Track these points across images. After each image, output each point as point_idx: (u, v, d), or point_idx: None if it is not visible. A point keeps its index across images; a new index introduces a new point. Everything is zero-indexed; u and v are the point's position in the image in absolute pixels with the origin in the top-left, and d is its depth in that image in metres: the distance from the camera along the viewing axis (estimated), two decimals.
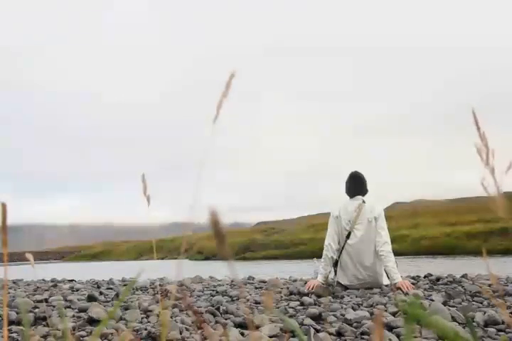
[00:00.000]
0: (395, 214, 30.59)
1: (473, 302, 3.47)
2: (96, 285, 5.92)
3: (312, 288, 4.16)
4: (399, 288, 4.01)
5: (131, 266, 21.93)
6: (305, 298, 3.75)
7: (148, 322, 3.14)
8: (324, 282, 4.33)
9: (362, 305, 3.51)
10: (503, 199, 0.68)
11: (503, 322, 2.71)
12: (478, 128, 0.74)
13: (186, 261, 27.35)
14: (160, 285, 5.36)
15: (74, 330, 2.90)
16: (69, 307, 3.86)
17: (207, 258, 28.27)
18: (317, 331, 2.66)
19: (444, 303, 3.34)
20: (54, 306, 3.90)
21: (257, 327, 2.71)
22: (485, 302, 3.46)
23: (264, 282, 5.73)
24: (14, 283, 7.28)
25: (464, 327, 2.63)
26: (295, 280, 5.47)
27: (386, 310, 3.17)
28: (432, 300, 3.39)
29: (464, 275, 5.09)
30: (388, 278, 4.28)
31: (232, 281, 5.71)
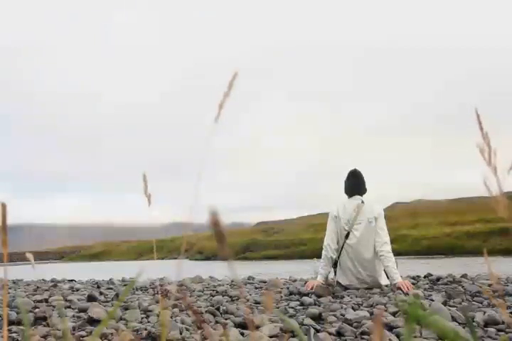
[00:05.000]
0: (395, 214, 30.59)
1: (473, 302, 3.47)
2: (96, 285, 5.92)
3: (312, 288, 4.16)
4: (399, 288, 4.00)
5: (131, 266, 21.93)
6: (305, 298, 3.75)
7: (148, 322, 3.13)
8: (324, 282, 4.33)
9: (362, 305, 3.51)
10: (504, 199, 0.68)
11: (503, 322, 2.71)
12: (481, 128, 0.73)
13: (186, 261, 27.35)
14: (160, 285, 5.36)
15: (74, 330, 2.90)
16: (69, 307, 3.85)
17: (207, 258, 28.26)
18: (317, 331, 2.66)
19: (444, 303, 3.34)
20: (54, 306, 3.90)
21: (257, 327, 2.71)
22: (485, 302, 3.46)
23: (264, 282, 5.73)
24: (14, 283, 7.28)
25: (464, 327, 2.63)
26: (295, 280, 5.48)
27: (386, 310, 3.17)
28: (432, 300, 3.39)
29: (464, 275, 5.09)
30: (388, 278, 4.28)
31: (232, 281, 5.71)
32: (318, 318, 3.06)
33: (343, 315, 3.02)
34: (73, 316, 3.37)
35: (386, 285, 4.30)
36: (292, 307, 3.53)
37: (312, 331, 2.53)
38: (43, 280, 7.71)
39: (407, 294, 3.87)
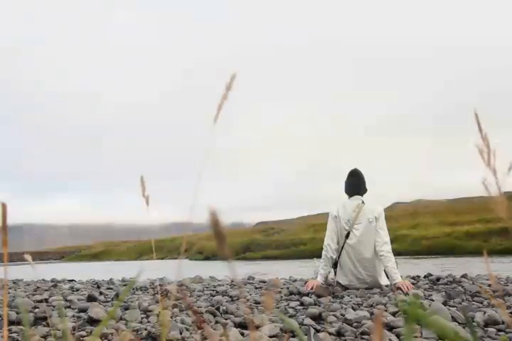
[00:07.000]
0: (395, 214, 30.57)
1: (473, 302, 3.47)
2: (96, 285, 5.92)
3: (312, 288, 4.16)
4: (399, 288, 4.00)
5: (131, 266, 21.93)
6: (305, 298, 3.75)
7: (148, 322, 3.13)
8: (324, 282, 4.32)
9: (362, 305, 3.51)
10: (504, 199, 0.68)
11: (503, 322, 2.71)
12: (480, 130, 0.73)
13: (186, 261, 27.34)
14: (160, 285, 5.36)
15: (74, 330, 2.90)
16: (69, 307, 3.86)
17: (207, 258, 28.24)
18: (317, 331, 2.66)
19: (444, 303, 3.34)
20: (54, 306, 3.90)
21: (257, 327, 2.71)
22: (485, 302, 3.46)
23: (264, 282, 5.73)
24: (14, 283, 7.28)
25: (464, 327, 2.63)
26: (295, 280, 5.47)
27: (386, 310, 3.17)
28: (432, 300, 3.39)
29: (464, 275, 5.09)
30: (388, 278, 4.28)
31: (232, 281, 5.71)
32: (318, 318, 3.06)
33: (343, 315, 3.02)
34: (73, 316, 3.37)
35: (386, 285, 4.30)
36: (292, 307, 3.53)
37: (312, 331, 2.53)
38: (43, 280, 7.70)
39: (407, 294, 3.87)
